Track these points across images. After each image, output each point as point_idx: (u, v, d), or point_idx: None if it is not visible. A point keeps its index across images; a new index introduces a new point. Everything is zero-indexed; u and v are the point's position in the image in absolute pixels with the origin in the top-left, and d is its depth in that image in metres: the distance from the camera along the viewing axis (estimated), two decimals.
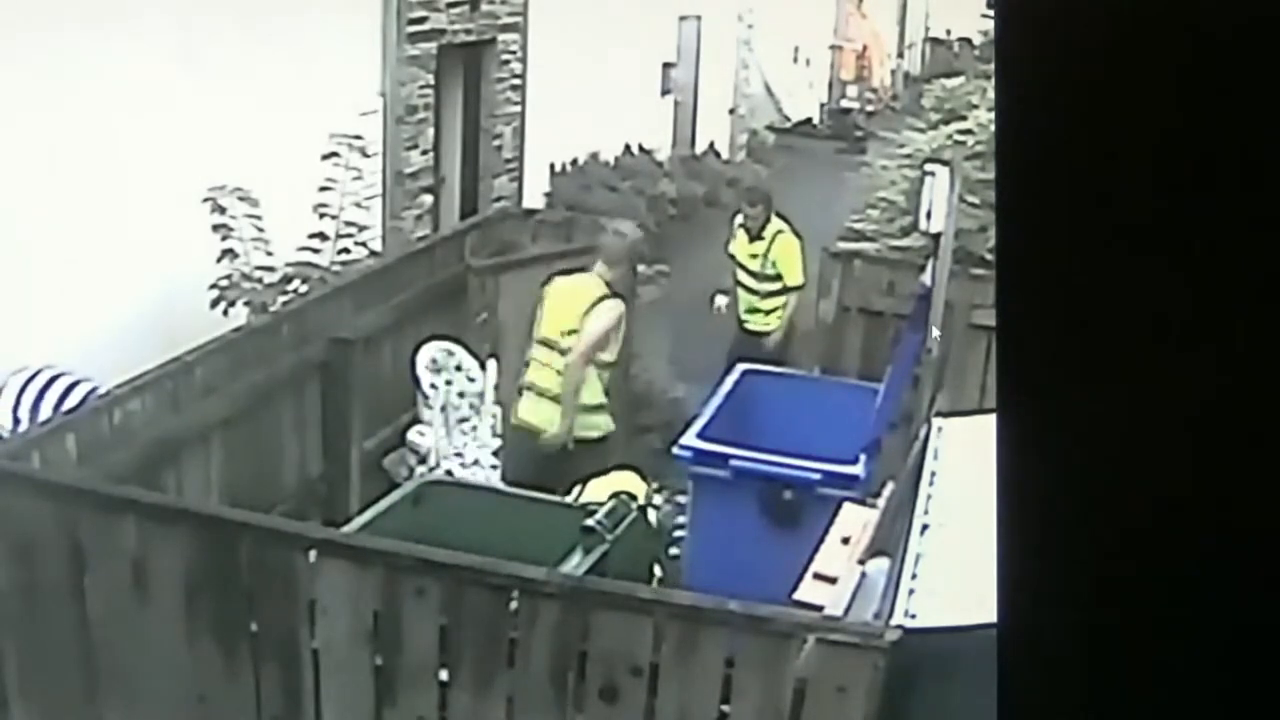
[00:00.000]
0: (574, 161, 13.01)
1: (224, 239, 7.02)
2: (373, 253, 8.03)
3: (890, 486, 4.84)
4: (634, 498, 5.25)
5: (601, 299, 6.24)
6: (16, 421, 5.20)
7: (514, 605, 3.68)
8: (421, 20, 9.81)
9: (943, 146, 9.22)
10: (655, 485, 6.08)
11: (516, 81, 11.61)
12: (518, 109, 11.72)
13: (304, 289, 7.07)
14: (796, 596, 4.16)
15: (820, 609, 3.89)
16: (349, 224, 7.67)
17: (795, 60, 20.72)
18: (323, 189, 7.47)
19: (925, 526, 3.75)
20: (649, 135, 14.70)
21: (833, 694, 3.40)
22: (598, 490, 5.60)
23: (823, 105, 21.71)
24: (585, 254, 7.49)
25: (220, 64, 7.58)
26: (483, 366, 6.75)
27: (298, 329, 5.98)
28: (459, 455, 6.55)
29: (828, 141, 19.39)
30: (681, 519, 6.38)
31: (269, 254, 7.12)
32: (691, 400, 7.21)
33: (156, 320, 6.67)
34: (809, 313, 8.17)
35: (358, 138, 7.62)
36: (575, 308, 6.25)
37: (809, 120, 20.83)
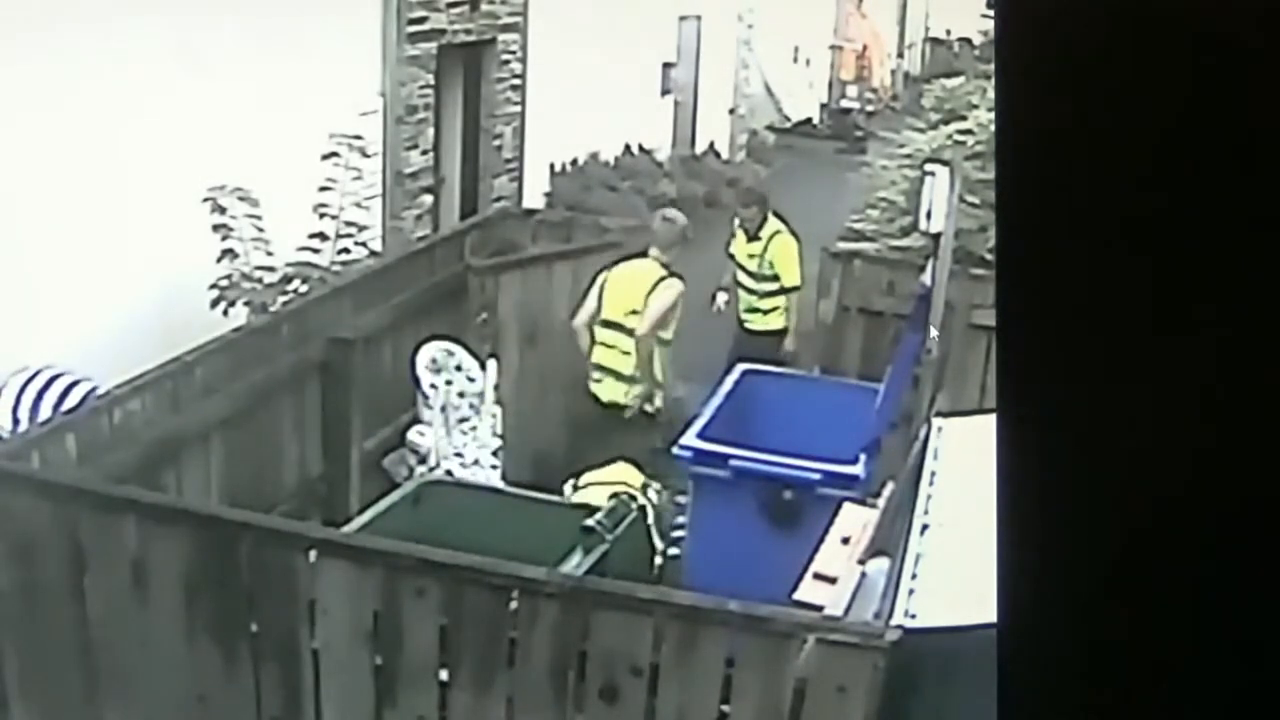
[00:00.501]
0: (574, 161, 13.01)
1: (224, 239, 7.02)
2: (373, 253, 8.03)
3: (890, 486, 4.83)
4: (634, 498, 5.26)
5: (661, 279, 6.86)
6: (16, 421, 5.20)
7: (514, 605, 3.68)
8: (421, 20, 9.81)
9: (943, 146, 9.22)
10: (653, 480, 6.13)
11: (516, 81, 11.61)
12: (518, 109, 11.72)
13: (304, 289, 7.07)
14: (796, 596, 4.16)
15: (820, 609, 3.89)
16: (349, 224, 7.67)
17: (795, 60, 20.72)
18: (323, 189, 7.47)
19: (925, 526, 3.75)
20: (649, 135, 14.70)
21: (833, 694, 3.40)
22: (596, 482, 5.62)
23: (823, 105, 21.70)
24: (585, 254, 7.52)
25: (220, 64, 7.57)
26: (483, 366, 6.75)
27: (298, 329, 5.98)
28: (459, 455, 6.55)
29: (828, 141, 19.39)
30: (681, 519, 6.38)
31: (269, 254, 7.12)
32: (691, 400, 7.21)
33: (156, 320, 6.66)
34: (809, 313, 8.17)
35: (358, 138, 7.61)
36: (637, 290, 6.84)
37: (809, 120, 20.82)
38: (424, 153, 10.12)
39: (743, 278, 8.20)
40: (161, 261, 7.01)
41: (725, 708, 3.58)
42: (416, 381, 6.53)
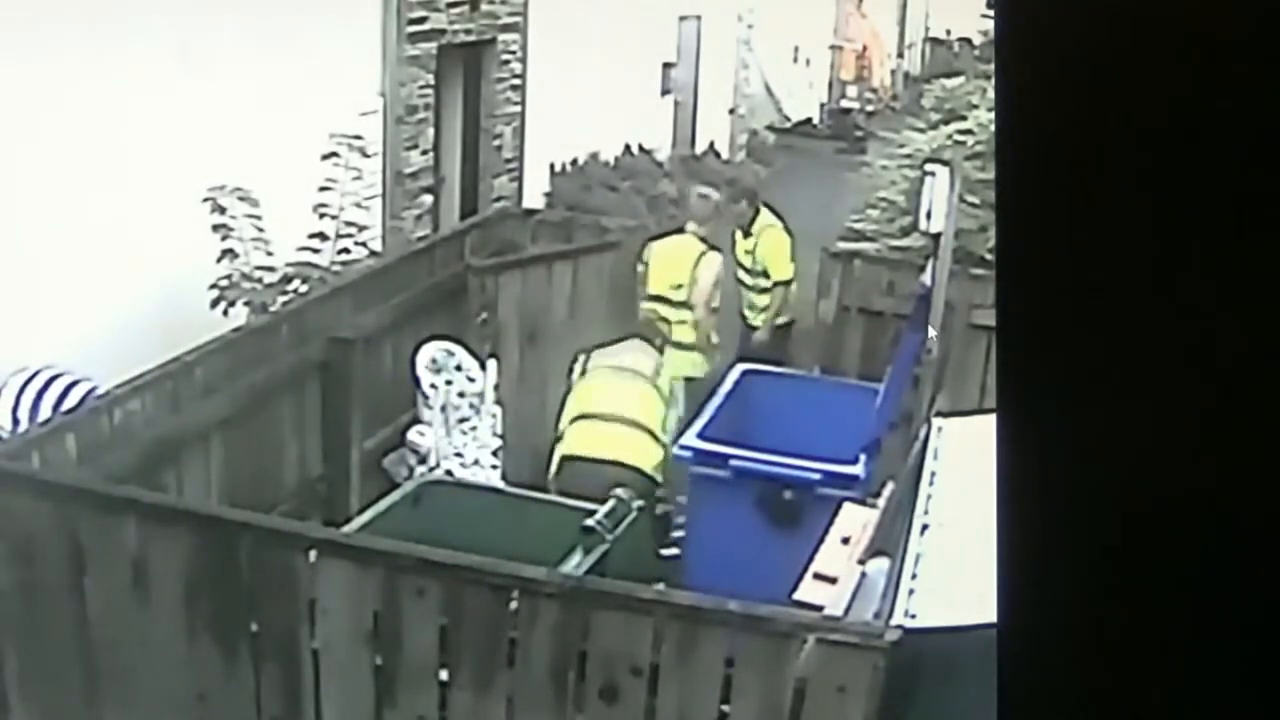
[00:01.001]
0: (574, 161, 13.00)
1: (224, 239, 7.02)
2: (373, 253, 8.02)
3: (890, 486, 4.83)
4: (634, 498, 5.25)
5: (703, 254, 7.36)
6: (16, 421, 5.20)
7: (514, 605, 3.68)
8: (421, 20, 9.81)
9: (943, 146, 9.22)
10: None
11: (516, 81, 11.61)
12: (518, 109, 11.71)
13: (304, 289, 7.07)
14: (796, 596, 4.16)
15: (820, 609, 3.89)
16: (349, 224, 7.66)
17: (795, 60, 20.71)
18: (323, 189, 7.47)
19: (925, 526, 3.75)
20: (649, 135, 14.69)
21: (833, 694, 3.40)
22: (605, 365, 6.02)
23: (823, 105, 21.69)
24: (585, 254, 7.52)
25: (220, 64, 7.57)
26: (483, 366, 6.75)
27: (298, 329, 5.98)
28: (459, 455, 6.55)
29: (828, 141, 19.37)
30: (681, 519, 6.39)
31: (269, 254, 7.12)
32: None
33: (156, 320, 6.66)
34: (809, 313, 8.18)
35: (358, 138, 7.61)
36: (682, 264, 7.36)
37: (809, 120, 20.81)
38: (424, 153, 10.11)
39: (741, 275, 8.24)
40: (161, 261, 7.00)
41: (725, 708, 3.58)
42: (416, 381, 6.53)
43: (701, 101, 16.61)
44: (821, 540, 4.65)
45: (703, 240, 7.40)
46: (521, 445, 6.87)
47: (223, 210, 6.98)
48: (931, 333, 5.60)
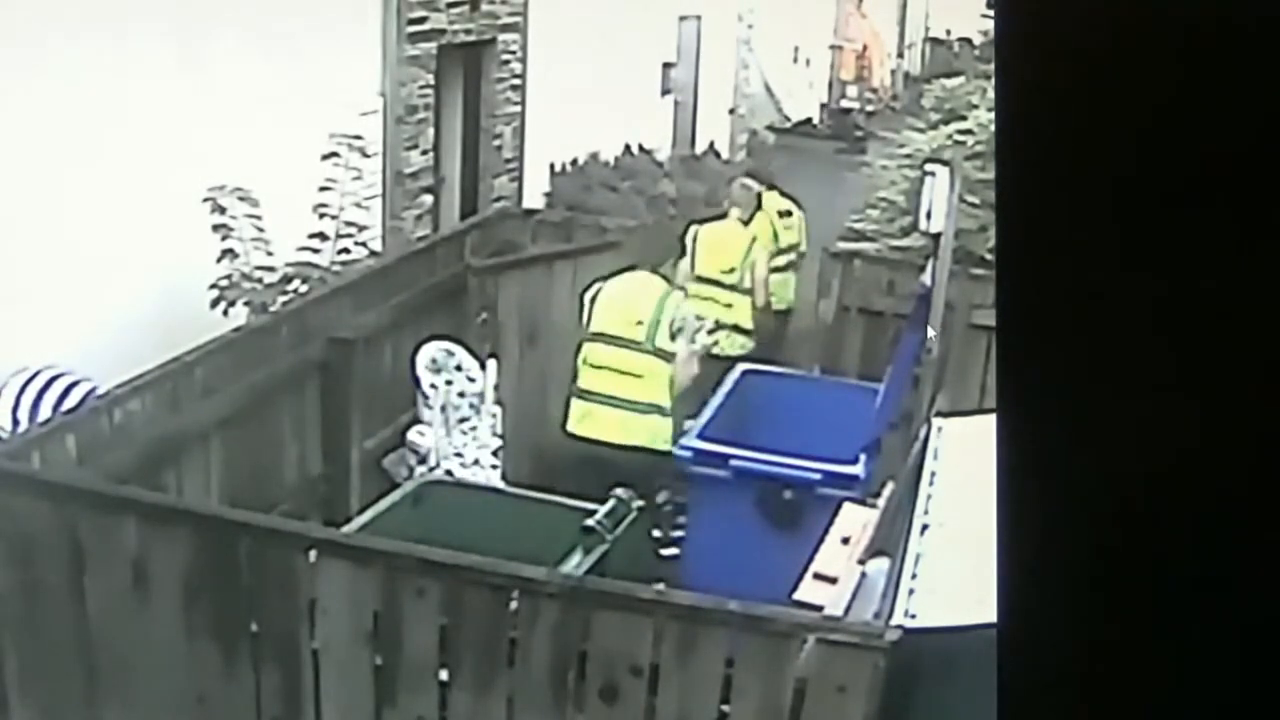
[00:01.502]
0: (574, 161, 12.99)
1: (224, 239, 7.02)
2: (373, 253, 8.02)
3: (890, 486, 4.83)
4: (634, 498, 5.25)
5: (755, 239, 7.90)
6: (16, 422, 5.20)
7: (514, 605, 3.68)
8: (421, 20, 9.80)
9: (943, 146, 9.22)
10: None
11: (516, 81, 11.60)
12: (518, 109, 11.71)
13: (304, 289, 7.07)
14: (796, 596, 4.16)
15: (820, 609, 3.89)
16: (349, 224, 7.66)
17: (795, 60, 20.71)
18: (323, 189, 7.46)
19: (925, 526, 3.74)
20: (649, 135, 14.68)
21: (833, 694, 3.40)
22: (612, 296, 6.14)
23: (823, 105, 21.69)
24: (585, 254, 7.51)
25: (220, 64, 7.57)
26: (483, 366, 6.75)
27: (298, 329, 5.98)
28: (459, 455, 6.55)
29: (828, 141, 19.37)
30: (681, 519, 6.39)
31: (269, 254, 7.11)
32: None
33: (156, 320, 6.66)
34: (809, 313, 8.20)
35: (358, 138, 7.61)
36: (733, 248, 7.81)
37: (809, 120, 20.81)
38: (424, 153, 10.11)
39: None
40: (161, 261, 7.00)
41: (725, 708, 3.58)
42: (416, 381, 6.53)
43: (701, 101, 16.61)
44: (821, 540, 4.65)
45: (744, 224, 7.91)
46: (521, 445, 6.87)
47: (223, 210, 6.98)
48: (931, 333, 5.60)
